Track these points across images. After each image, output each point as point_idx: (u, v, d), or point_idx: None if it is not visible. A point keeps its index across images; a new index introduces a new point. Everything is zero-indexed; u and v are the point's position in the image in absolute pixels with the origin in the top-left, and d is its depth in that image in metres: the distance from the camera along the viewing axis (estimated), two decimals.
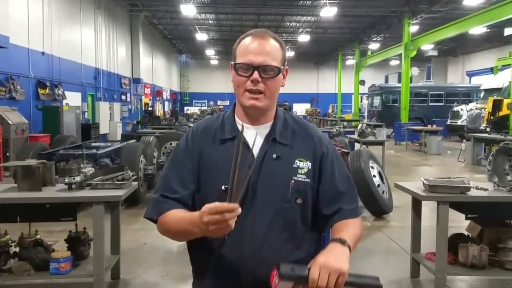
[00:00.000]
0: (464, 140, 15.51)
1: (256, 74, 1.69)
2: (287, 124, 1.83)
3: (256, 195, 1.70)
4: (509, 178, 4.29)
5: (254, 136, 1.76)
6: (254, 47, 1.73)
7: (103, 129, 19.00)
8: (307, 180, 1.76)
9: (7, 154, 10.52)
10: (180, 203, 1.75)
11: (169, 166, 1.85)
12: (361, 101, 37.47)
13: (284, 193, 1.72)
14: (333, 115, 36.23)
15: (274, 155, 1.74)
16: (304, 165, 1.76)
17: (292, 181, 1.72)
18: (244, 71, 1.72)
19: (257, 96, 1.72)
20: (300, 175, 1.74)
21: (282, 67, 1.77)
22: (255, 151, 1.74)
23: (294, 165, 1.75)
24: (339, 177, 1.84)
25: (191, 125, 9.89)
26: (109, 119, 20.58)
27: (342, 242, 1.62)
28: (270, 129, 1.80)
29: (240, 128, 1.78)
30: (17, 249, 4.22)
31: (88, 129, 16.04)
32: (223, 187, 1.69)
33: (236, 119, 1.83)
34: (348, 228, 1.73)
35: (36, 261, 4.04)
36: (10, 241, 4.24)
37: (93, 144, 9.76)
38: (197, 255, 1.80)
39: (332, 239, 1.65)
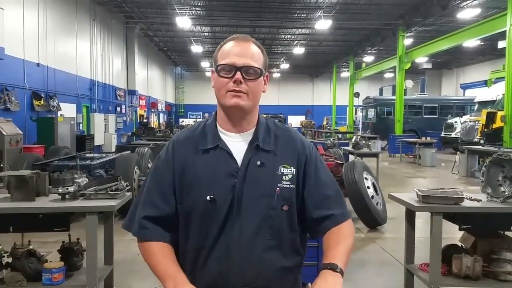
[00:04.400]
0: (458, 152, 15.56)
1: (238, 74, 1.70)
2: (269, 130, 1.83)
3: (242, 203, 1.69)
4: (502, 189, 4.30)
5: (237, 144, 1.77)
6: (236, 49, 1.74)
7: (98, 140, 18.96)
8: (292, 186, 1.75)
9: (1, 165, 10.50)
10: (162, 220, 1.76)
11: (151, 178, 1.84)
12: (356, 113, 37.59)
13: (270, 201, 1.71)
14: (328, 127, 36.32)
15: (258, 162, 1.73)
16: (288, 171, 1.75)
17: (277, 188, 1.72)
18: (226, 72, 1.72)
19: (239, 94, 1.71)
20: (284, 182, 1.74)
21: (264, 69, 1.77)
22: (239, 158, 1.74)
23: (278, 172, 1.74)
24: (325, 181, 1.84)
25: None
26: (104, 130, 20.55)
27: (334, 268, 1.61)
28: (252, 136, 1.79)
29: (222, 136, 1.78)
30: (10, 260, 4.19)
31: (83, 141, 16.00)
32: (208, 198, 1.69)
33: (218, 127, 1.81)
34: (340, 243, 1.73)
35: (28, 272, 4.01)
36: (2, 252, 4.21)
37: (88, 155, 9.73)
38: (183, 264, 1.78)
39: (324, 265, 1.65)
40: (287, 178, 1.75)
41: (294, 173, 1.76)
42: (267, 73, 1.82)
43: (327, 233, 1.78)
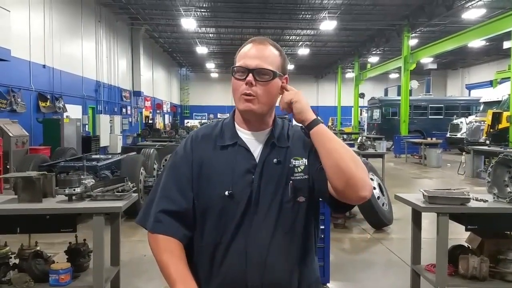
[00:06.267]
0: (463, 153, 15.53)
1: (250, 77, 1.70)
2: (284, 128, 1.84)
3: (259, 199, 1.70)
4: (508, 189, 4.28)
5: (254, 141, 1.78)
6: (252, 51, 1.74)
7: (104, 141, 19.02)
8: (305, 176, 1.75)
9: (8, 166, 10.53)
10: (179, 215, 1.74)
11: (168, 173, 1.83)
12: (361, 114, 37.56)
13: (285, 195, 1.72)
14: (333, 128, 36.29)
15: (275, 160, 1.74)
16: (300, 163, 1.76)
17: (290, 181, 1.72)
18: (240, 74, 1.73)
19: (250, 98, 1.71)
20: (297, 174, 1.74)
21: (279, 72, 1.76)
22: (256, 156, 1.75)
23: (291, 165, 1.75)
24: None
25: None
26: (110, 131, 20.61)
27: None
28: (269, 135, 1.80)
29: (240, 134, 1.79)
30: (17, 261, 4.20)
31: (89, 142, 16.06)
32: (226, 193, 1.69)
33: (236, 125, 1.83)
34: None
35: (35, 273, 4.02)
36: (9, 253, 4.22)
37: (94, 156, 9.76)
38: (199, 264, 1.78)
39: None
40: (300, 170, 1.75)
41: (306, 164, 1.76)
42: (286, 76, 1.82)
43: None
